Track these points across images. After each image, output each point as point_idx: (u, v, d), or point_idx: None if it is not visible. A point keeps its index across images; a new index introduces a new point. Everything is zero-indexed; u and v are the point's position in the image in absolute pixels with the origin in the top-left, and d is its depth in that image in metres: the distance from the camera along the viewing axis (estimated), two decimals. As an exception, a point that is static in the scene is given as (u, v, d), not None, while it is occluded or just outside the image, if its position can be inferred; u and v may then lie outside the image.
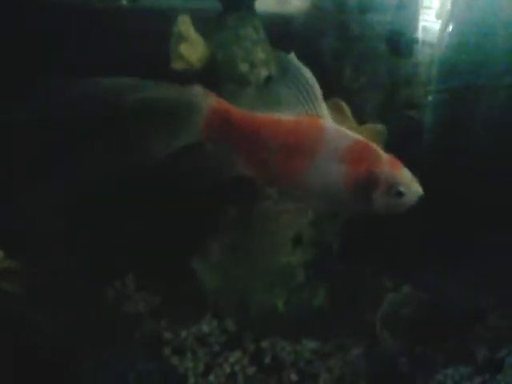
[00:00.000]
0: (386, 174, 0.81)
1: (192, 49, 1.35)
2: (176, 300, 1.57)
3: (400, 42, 1.46)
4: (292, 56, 0.82)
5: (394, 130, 1.51)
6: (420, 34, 1.59)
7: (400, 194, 0.81)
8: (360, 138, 0.84)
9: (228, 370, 1.39)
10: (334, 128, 0.85)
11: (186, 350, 1.45)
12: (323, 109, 0.83)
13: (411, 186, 0.81)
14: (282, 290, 1.54)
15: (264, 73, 1.41)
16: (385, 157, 0.83)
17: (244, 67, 1.39)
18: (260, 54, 1.41)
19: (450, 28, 1.76)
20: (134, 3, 1.50)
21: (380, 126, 1.45)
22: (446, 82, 1.56)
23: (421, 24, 1.67)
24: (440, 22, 1.82)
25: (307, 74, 0.82)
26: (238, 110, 0.85)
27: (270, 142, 0.85)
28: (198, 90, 0.83)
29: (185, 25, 1.34)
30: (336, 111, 1.45)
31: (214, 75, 1.39)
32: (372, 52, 1.55)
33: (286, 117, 0.84)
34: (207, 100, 0.83)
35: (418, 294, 1.58)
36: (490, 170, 1.52)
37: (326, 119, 0.84)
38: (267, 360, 1.43)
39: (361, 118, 1.51)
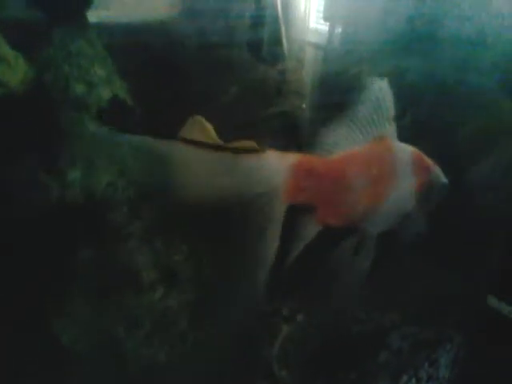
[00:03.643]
0: (436, 174, 0.85)
1: (9, 71, 1.12)
2: (35, 366, 1.31)
3: (262, 49, 1.31)
4: (385, 82, 0.77)
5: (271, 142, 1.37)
6: (295, 39, 1.46)
7: (445, 185, 0.86)
8: (410, 147, 0.82)
9: None
10: (398, 144, 0.81)
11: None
12: (392, 127, 0.79)
13: (445, 179, 0.86)
14: (162, 339, 1.33)
15: (107, 93, 1.20)
16: (427, 158, 0.84)
17: (79, 88, 1.17)
18: (99, 71, 1.20)
19: (338, 31, 1.65)
20: None
21: (249, 143, 1.28)
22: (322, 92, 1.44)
23: (303, 28, 1.55)
24: (328, 24, 1.71)
25: (390, 96, 0.77)
26: (319, 158, 0.76)
27: (356, 181, 0.77)
28: (272, 158, 0.72)
29: (-5, 42, 1.10)
30: (197, 128, 1.27)
31: (44, 100, 1.16)
32: (237, 60, 1.39)
33: (358, 147, 0.77)
34: (285, 163, 0.73)
35: (315, 319, 1.44)
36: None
37: (393, 137, 0.79)
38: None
39: (234, 134, 1.35)
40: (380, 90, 0.75)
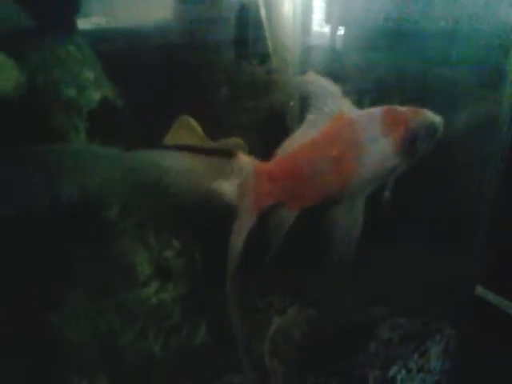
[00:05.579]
0: (418, 120, 0.84)
1: (2, 76, 1.17)
2: (32, 362, 1.36)
3: (247, 49, 1.34)
4: (311, 73, 0.83)
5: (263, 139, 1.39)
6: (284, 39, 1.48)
7: (436, 130, 0.85)
8: (377, 108, 0.84)
9: None
10: (359, 113, 0.84)
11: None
12: (344, 103, 0.82)
13: (435, 118, 0.86)
14: (156, 332, 1.37)
15: (96, 95, 1.25)
16: (405, 109, 0.85)
17: (70, 91, 1.22)
18: (88, 74, 1.24)
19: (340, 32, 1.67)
20: None
21: (236, 140, 1.31)
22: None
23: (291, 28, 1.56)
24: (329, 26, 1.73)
25: (323, 81, 0.82)
26: (276, 160, 0.81)
27: (318, 165, 0.80)
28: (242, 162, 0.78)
29: (-13, 49, 1.15)
30: (184, 128, 1.31)
31: (36, 104, 1.21)
32: (224, 61, 1.42)
33: (315, 133, 0.81)
34: (251, 167, 0.79)
35: (306, 312, 1.46)
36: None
37: (350, 110, 0.83)
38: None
39: (224, 132, 1.38)
40: (311, 82, 0.78)
